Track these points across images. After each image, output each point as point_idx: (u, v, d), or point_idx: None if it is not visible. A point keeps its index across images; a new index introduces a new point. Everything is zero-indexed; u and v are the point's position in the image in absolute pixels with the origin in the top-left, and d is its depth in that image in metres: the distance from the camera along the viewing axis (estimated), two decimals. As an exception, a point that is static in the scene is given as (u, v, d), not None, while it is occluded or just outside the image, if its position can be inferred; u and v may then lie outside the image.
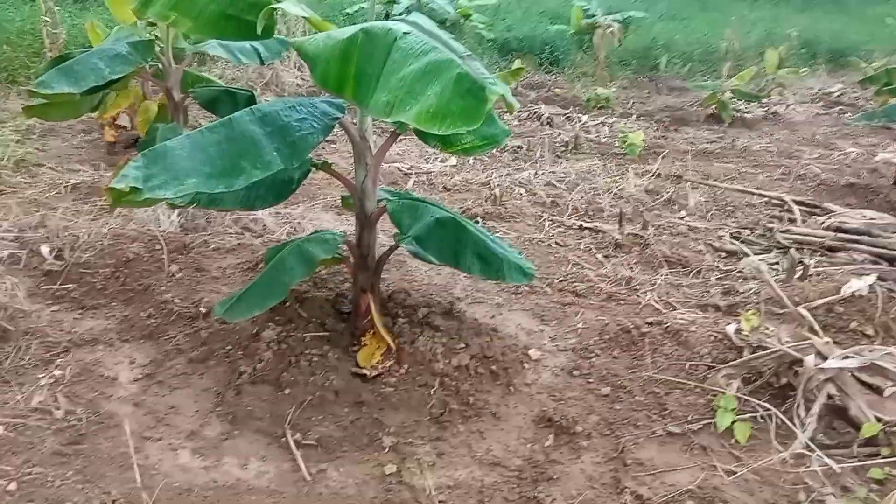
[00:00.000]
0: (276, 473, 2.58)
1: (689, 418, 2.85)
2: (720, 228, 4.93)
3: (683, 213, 5.22)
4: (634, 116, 8.49)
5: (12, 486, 2.39)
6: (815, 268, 4.13)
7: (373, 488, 2.53)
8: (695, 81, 10.53)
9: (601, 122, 8.00)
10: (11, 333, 3.20)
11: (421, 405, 2.90)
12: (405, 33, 2.46)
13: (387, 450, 2.70)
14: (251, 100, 4.72)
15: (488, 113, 2.25)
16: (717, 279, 4.12)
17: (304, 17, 2.83)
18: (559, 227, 4.90)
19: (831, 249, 4.52)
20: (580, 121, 8.03)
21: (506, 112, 7.04)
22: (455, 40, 2.74)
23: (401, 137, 3.17)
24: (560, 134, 7.42)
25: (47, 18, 7.43)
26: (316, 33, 2.69)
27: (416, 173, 5.94)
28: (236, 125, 2.75)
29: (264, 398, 2.89)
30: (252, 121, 2.76)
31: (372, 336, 3.12)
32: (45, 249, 3.89)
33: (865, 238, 4.56)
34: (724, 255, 4.52)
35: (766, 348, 3.07)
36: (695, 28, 13.75)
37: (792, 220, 5.04)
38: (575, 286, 3.96)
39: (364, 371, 3.02)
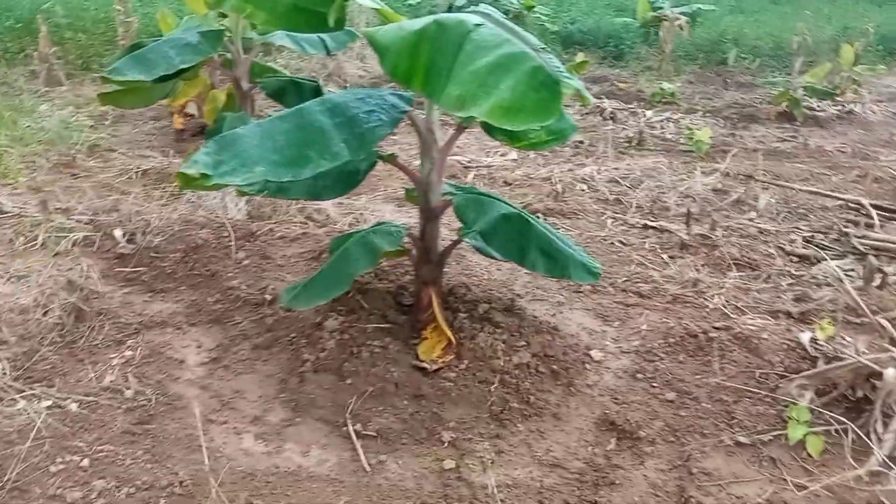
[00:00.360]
0: (336, 462, 2.60)
1: (759, 429, 2.75)
2: (792, 231, 4.74)
3: (753, 214, 5.03)
4: (701, 112, 8.24)
5: (85, 462, 2.47)
6: (893, 276, 3.94)
7: (431, 482, 2.52)
8: (765, 77, 10.17)
9: (666, 118, 7.78)
10: (86, 314, 3.30)
11: (480, 401, 2.88)
12: (477, 25, 2.42)
13: (446, 444, 2.69)
14: (317, 90, 4.77)
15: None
16: (788, 284, 3.96)
17: (374, 9, 2.83)
18: (622, 225, 4.80)
19: (912, 257, 4.30)
20: (644, 116, 7.83)
21: (567, 106, 6.94)
22: (527, 32, 2.70)
23: (461, 130, 3.14)
24: (623, 129, 7.27)
25: (120, 8, 7.67)
26: (383, 24, 2.68)
27: (476, 167, 5.91)
28: (306, 115, 2.77)
29: (326, 387, 2.91)
30: (321, 111, 2.78)
31: (433, 330, 3.11)
32: (118, 233, 4.01)
33: (949, 246, 4.32)
34: (795, 259, 4.34)
35: (841, 359, 2.94)
36: (765, 22, 13.27)
37: (869, 225, 4.81)
38: (639, 287, 3.87)
39: (424, 364, 3.01)
